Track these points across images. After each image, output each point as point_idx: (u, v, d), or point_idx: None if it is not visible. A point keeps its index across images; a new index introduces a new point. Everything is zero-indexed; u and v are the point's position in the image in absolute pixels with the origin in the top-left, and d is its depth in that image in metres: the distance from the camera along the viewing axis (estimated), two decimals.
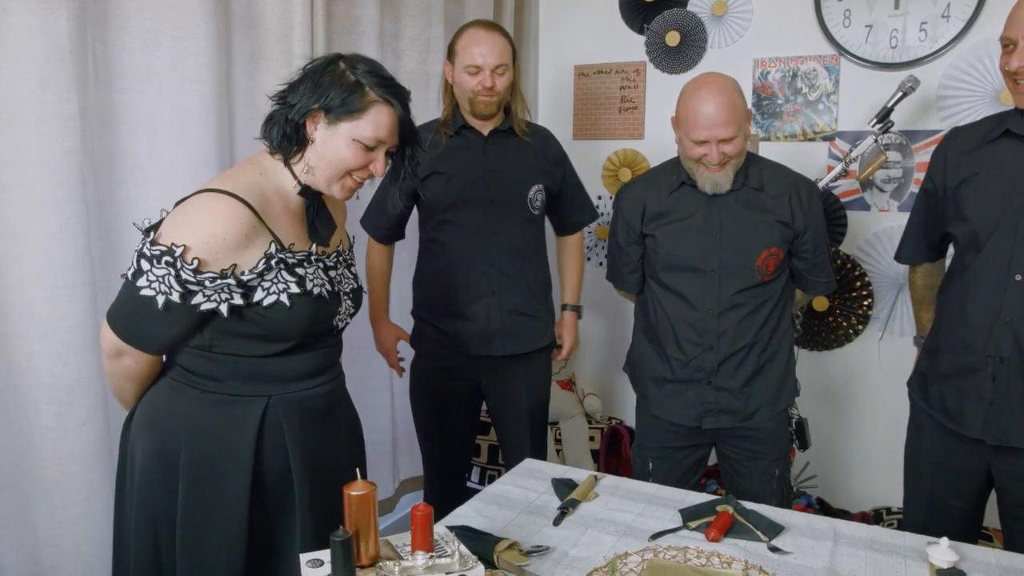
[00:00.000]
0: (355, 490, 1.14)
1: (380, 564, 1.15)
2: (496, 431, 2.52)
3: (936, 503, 1.93)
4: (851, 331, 2.88)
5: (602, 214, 3.30)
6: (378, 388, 2.73)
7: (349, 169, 1.43)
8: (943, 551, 1.44)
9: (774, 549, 1.50)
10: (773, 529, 1.57)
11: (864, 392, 2.90)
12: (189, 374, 1.43)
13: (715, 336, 2.00)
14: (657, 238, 2.04)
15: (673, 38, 3.07)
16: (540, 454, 2.48)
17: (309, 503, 1.48)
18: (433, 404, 2.38)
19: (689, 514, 1.62)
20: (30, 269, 1.62)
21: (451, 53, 2.21)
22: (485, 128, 2.26)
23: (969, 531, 1.92)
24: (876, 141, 2.52)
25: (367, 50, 2.42)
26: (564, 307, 2.48)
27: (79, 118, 1.63)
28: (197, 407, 1.42)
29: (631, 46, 3.17)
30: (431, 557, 1.15)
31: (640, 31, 3.15)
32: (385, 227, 2.34)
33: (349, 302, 1.57)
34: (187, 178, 1.86)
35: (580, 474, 1.84)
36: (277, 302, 1.38)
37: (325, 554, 1.17)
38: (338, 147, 1.41)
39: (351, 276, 1.59)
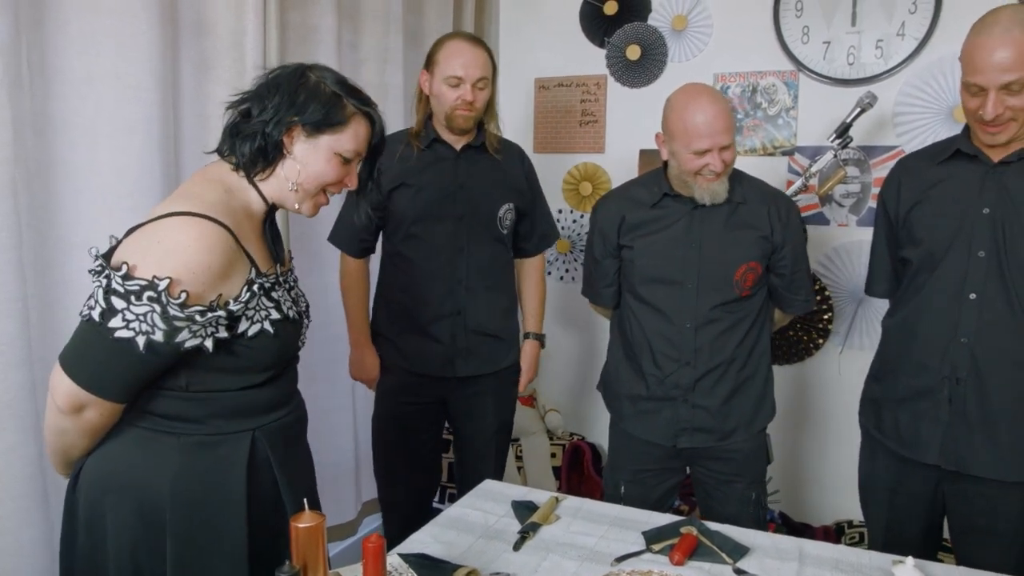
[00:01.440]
0: (302, 522, 1.07)
1: None
2: (456, 449, 2.46)
3: (893, 527, 1.91)
4: (811, 345, 2.88)
5: (562, 228, 3.27)
6: (339, 406, 2.65)
7: (327, 183, 1.38)
8: (909, 571, 1.41)
9: (739, 572, 1.46)
10: (738, 551, 1.53)
11: (824, 406, 2.90)
12: (163, 419, 1.31)
13: (692, 351, 1.97)
14: (635, 250, 2.01)
15: (634, 52, 3.06)
16: (500, 475, 2.42)
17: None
18: (398, 425, 2.31)
19: (652, 536, 1.58)
20: None
21: (430, 63, 2.14)
22: (458, 143, 2.20)
23: (929, 549, 1.90)
24: (835, 156, 2.53)
25: (325, 60, 2.34)
26: (527, 335, 2.41)
27: (11, 125, 1.54)
28: (179, 454, 1.30)
29: (592, 59, 3.15)
30: None
31: (601, 44, 3.13)
32: (358, 240, 2.24)
33: (307, 320, 1.52)
34: (128, 190, 1.78)
35: (541, 495, 1.79)
36: (262, 331, 1.31)
37: None
38: (318, 161, 1.35)
39: (301, 293, 1.53)
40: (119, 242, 1.26)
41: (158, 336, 1.19)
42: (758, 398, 2.04)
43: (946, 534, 1.94)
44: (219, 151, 1.38)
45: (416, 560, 1.43)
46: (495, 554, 1.52)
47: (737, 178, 1.98)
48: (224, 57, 2.04)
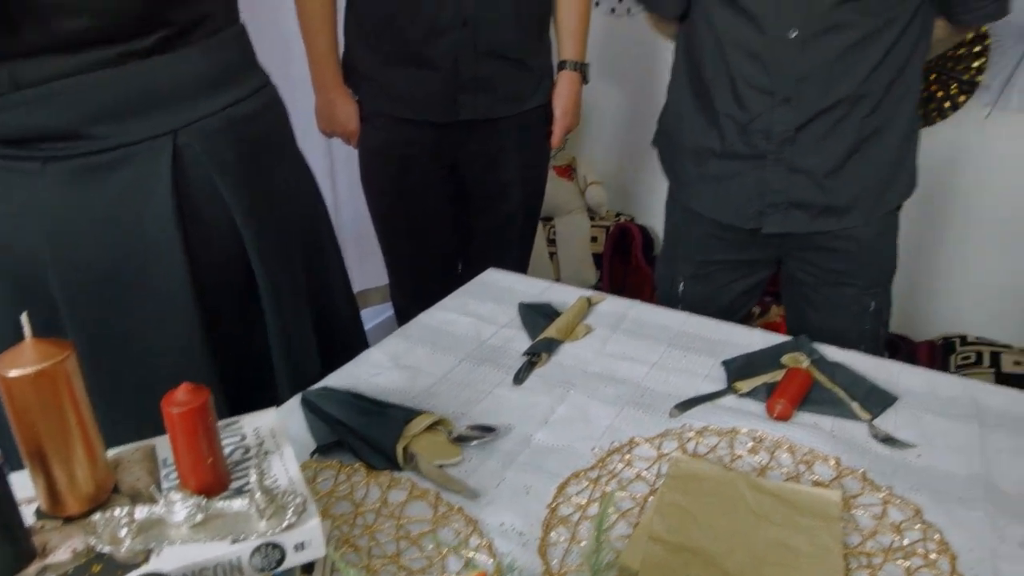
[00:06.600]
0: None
1: (96, 518, 0.53)
2: (466, 227, 1.85)
3: None
4: (947, 104, 2.13)
5: None
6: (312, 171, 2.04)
7: None
8: None
9: (885, 439, 0.88)
10: (877, 399, 0.95)
11: (955, 186, 2.20)
12: (7, 145, 0.81)
13: (794, 79, 1.25)
14: None
15: None
16: (525, 263, 1.84)
17: (278, 296, 0.94)
18: (394, 193, 1.69)
19: (739, 369, 1.00)
20: None
21: None
22: None
23: None
24: None
25: None
26: (562, 64, 1.71)
27: None
28: (54, 189, 0.81)
29: None
30: (199, 504, 0.52)
31: None
32: None
33: None
34: None
35: (566, 294, 1.20)
36: None
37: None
38: None
39: None
40: None
41: None
42: (893, 161, 1.35)
43: None
44: None
45: (351, 404, 0.87)
46: (484, 389, 0.96)
47: None
48: None
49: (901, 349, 2.28)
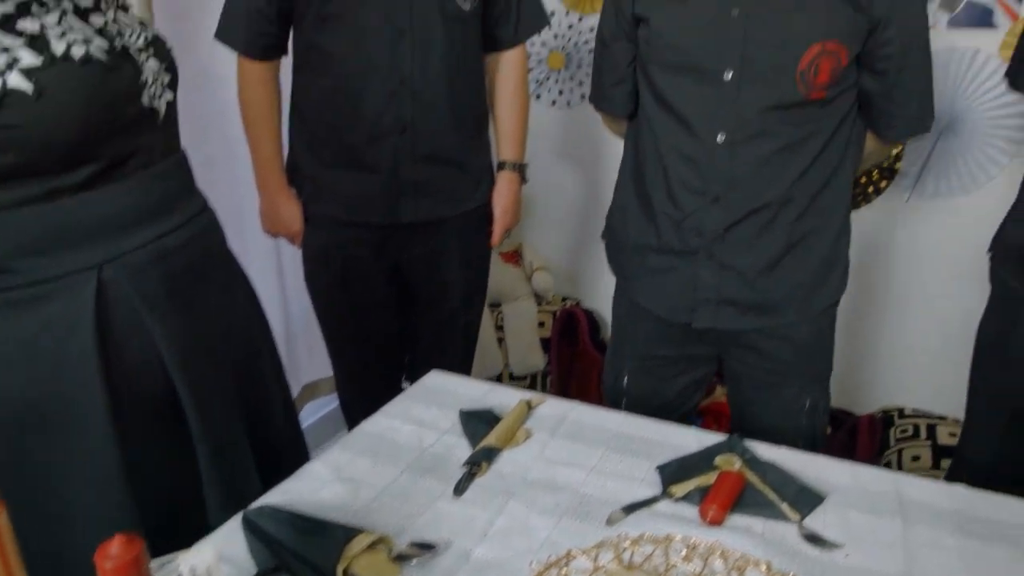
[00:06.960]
0: None
1: None
2: (410, 325, 1.87)
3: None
4: (870, 189, 2.25)
5: (555, 38, 2.56)
6: (260, 268, 2.06)
7: None
8: None
9: (813, 539, 0.92)
10: (806, 499, 0.98)
11: (880, 267, 2.31)
12: None
13: (724, 179, 1.31)
14: (652, 24, 1.32)
15: None
16: (468, 359, 1.87)
17: (208, 422, 0.94)
18: (338, 294, 1.72)
19: (673, 473, 1.02)
20: None
21: None
22: None
23: None
24: None
25: None
26: (501, 165, 1.76)
27: None
28: None
29: None
30: None
31: None
32: (257, 31, 1.55)
33: (154, 61, 0.91)
34: None
35: (506, 396, 1.23)
36: (7, 92, 0.76)
37: None
38: None
39: (137, 28, 0.92)
40: None
41: None
42: (823, 263, 1.39)
43: None
44: None
45: (289, 524, 0.88)
46: (425, 503, 0.97)
47: None
48: None
49: (844, 423, 2.34)
